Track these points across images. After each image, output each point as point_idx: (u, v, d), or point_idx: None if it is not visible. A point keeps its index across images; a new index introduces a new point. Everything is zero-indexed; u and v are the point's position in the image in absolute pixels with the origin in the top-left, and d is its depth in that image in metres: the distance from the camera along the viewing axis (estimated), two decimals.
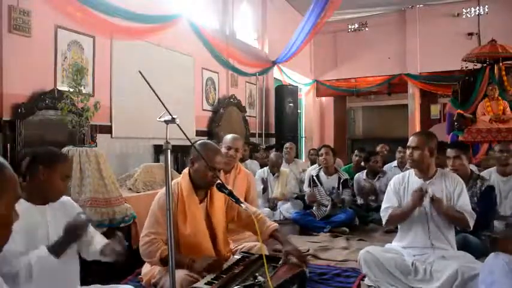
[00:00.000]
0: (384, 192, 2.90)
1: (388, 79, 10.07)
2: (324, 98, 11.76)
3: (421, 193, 2.50)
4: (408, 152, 2.64)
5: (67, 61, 3.99)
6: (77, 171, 2.99)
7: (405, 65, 9.90)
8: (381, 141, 6.81)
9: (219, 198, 2.37)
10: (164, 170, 1.60)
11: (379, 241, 3.69)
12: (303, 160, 7.98)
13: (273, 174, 5.14)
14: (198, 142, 2.37)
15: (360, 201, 5.05)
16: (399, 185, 2.73)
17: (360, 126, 12.25)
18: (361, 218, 4.63)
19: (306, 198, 4.64)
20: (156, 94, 1.50)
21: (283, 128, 8.35)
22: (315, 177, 4.64)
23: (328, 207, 4.44)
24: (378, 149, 6.02)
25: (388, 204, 2.69)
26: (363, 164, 5.31)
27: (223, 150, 3.14)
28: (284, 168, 5.43)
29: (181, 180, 2.35)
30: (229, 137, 3.29)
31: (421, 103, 10.33)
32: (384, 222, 2.72)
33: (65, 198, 1.97)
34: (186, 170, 2.39)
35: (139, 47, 4.94)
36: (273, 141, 8.50)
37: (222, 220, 2.40)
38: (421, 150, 2.58)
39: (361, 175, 5.13)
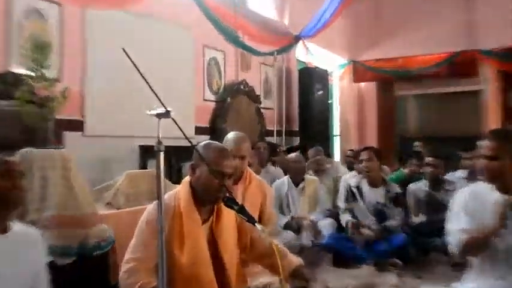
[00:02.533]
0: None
1: (450, 57, 10.07)
2: (363, 84, 11.81)
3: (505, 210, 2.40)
4: (482, 162, 2.55)
5: (24, 34, 4.03)
6: (36, 181, 3.01)
7: (475, 37, 9.80)
8: (443, 140, 6.73)
9: (228, 217, 2.36)
10: (155, 178, 1.60)
11: (444, 279, 3.62)
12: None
13: (296, 186, 5.08)
14: (200, 144, 2.39)
15: (416, 220, 4.95)
16: (472, 201, 2.65)
17: (414, 120, 12.15)
18: (418, 245, 4.56)
19: (344, 223, 4.59)
20: (144, 79, 1.53)
21: (310, 124, 8.41)
22: (354, 189, 4.61)
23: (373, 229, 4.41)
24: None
25: (459, 227, 2.60)
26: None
27: None
28: (311, 176, 5.41)
29: (180, 191, 2.36)
30: (230, 139, 3.23)
31: (499, 88, 10.18)
32: (455, 252, 2.62)
33: (31, 231, 2.09)
34: (186, 178, 2.40)
35: (121, 18, 5.00)
36: (296, 141, 8.54)
37: (232, 247, 2.40)
38: (501, 159, 2.49)
39: (420, 185, 5.03)
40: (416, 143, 6.52)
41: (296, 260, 2.41)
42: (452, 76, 10.37)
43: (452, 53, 9.99)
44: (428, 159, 5.05)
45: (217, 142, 2.48)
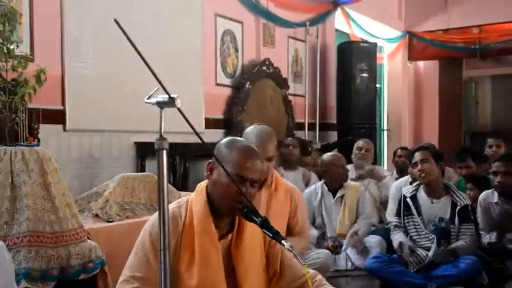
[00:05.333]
0: None
1: None
2: (422, 63, 11.70)
3: None
4: None
5: None
6: (6, 187, 2.98)
7: None
8: None
9: (253, 233, 2.35)
10: (154, 184, 1.59)
11: None
12: (385, 168, 7.87)
13: (333, 194, 5.08)
14: (223, 141, 2.39)
15: (488, 239, 4.91)
16: None
17: (488, 110, 12.00)
18: (491, 272, 4.50)
19: (396, 248, 4.57)
20: (140, 55, 1.46)
21: (351, 115, 8.43)
22: (409, 200, 4.57)
23: (432, 250, 4.39)
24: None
25: None
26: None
27: None
28: (353, 181, 5.42)
29: (194, 200, 2.37)
30: (253, 136, 3.21)
31: None
32: None
33: None
34: (203, 184, 2.41)
35: None
36: (333, 136, 8.53)
37: (256, 276, 2.37)
38: None
39: (491, 196, 4.98)
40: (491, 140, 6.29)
41: None
42: None
43: None
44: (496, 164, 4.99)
45: (243, 140, 2.48)
